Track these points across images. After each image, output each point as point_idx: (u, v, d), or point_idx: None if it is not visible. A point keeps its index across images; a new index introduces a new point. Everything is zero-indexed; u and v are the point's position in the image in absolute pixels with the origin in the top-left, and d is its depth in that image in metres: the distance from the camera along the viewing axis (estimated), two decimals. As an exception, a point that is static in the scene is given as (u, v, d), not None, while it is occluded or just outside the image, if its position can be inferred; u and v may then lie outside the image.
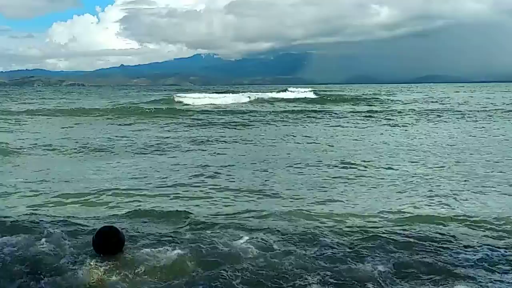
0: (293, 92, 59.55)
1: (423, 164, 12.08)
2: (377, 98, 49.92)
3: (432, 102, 44.34)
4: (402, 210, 7.74)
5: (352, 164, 11.79)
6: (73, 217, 7.31)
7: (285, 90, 62.98)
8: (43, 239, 5.73)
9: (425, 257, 5.49)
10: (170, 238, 6.02)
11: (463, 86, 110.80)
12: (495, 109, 32.21)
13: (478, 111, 31.34)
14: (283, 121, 25.96)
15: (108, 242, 5.06)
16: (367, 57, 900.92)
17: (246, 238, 5.95)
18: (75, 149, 14.91)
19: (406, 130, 21.31)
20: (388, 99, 49.04)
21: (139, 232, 6.31)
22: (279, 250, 5.65)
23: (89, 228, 6.47)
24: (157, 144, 16.01)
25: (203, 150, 14.84)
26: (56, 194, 8.90)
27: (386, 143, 16.50)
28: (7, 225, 6.55)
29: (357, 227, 6.75)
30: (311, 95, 53.51)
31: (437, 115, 28.89)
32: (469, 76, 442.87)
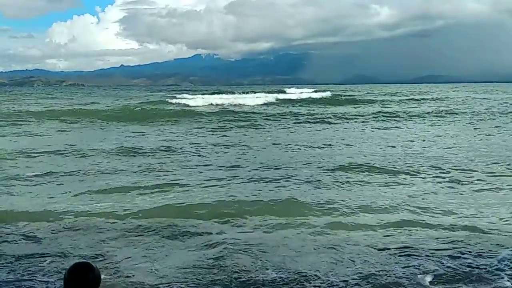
0: (310, 92, 57.82)
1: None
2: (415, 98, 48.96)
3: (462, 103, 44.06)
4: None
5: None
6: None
7: (283, 91, 61.31)
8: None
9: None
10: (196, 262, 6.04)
11: (465, 86, 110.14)
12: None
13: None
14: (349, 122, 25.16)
15: (83, 280, 4.48)
16: (367, 57, 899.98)
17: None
18: (76, 151, 15.05)
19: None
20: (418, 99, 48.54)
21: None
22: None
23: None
24: (169, 146, 15.99)
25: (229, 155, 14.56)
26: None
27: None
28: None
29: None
30: (328, 94, 52.26)
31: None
32: (470, 76, 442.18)
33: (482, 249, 6.34)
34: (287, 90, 64.97)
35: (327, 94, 53.54)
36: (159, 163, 12.82)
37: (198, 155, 14.28)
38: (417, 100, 47.34)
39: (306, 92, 58.03)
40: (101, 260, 5.87)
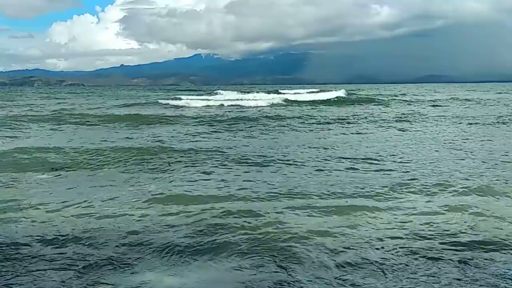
0: (327, 92, 54.24)
1: None
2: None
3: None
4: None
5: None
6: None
7: (276, 91, 59.12)
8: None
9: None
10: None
11: (478, 86, 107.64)
12: None
13: None
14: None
15: None
16: (368, 57, 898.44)
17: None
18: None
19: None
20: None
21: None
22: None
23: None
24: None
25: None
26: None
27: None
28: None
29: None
30: (342, 94, 49.99)
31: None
32: (470, 76, 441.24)
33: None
34: (294, 90, 62.87)
35: (341, 93, 50.82)
36: (174, 163, 12.69)
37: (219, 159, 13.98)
38: (432, 101, 45.68)
39: (315, 92, 55.81)
40: (120, 271, 5.66)
